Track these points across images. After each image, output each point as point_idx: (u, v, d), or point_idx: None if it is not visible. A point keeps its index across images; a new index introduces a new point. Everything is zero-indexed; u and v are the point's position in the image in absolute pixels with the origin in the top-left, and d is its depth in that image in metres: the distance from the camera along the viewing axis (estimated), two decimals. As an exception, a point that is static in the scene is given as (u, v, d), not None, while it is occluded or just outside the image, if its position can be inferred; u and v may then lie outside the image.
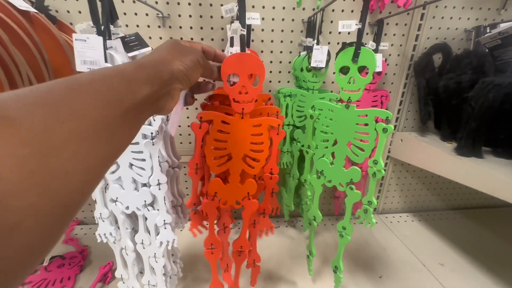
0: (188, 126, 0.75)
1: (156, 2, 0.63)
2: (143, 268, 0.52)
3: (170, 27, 0.65)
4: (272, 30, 0.69)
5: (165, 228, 0.46)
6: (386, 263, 0.70)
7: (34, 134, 0.15)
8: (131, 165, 0.42)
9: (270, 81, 0.74)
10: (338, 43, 0.72)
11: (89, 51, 0.34)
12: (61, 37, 0.52)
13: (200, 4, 0.64)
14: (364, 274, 0.66)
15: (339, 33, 0.71)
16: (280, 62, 0.72)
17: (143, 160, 0.41)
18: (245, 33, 0.42)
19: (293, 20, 0.68)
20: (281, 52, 0.71)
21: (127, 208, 0.45)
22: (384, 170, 0.44)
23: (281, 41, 0.70)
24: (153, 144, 0.40)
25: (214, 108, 0.46)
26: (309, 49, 0.64)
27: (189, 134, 0.77)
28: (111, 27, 0.37)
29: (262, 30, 0.68)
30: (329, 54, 0.61)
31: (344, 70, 0.44)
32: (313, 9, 0.67)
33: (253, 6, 0.66)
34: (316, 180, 0.52)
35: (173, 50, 0.29)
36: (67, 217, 0.17)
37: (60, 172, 0.15)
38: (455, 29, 0.74)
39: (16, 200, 0.13)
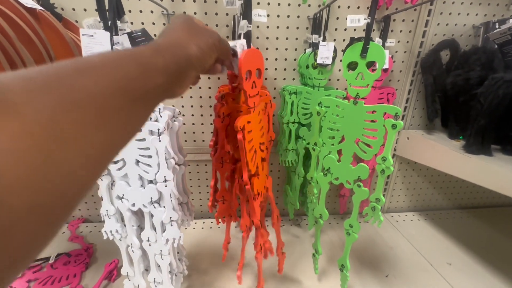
0: (193, 124, 0.75)
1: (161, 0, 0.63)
2: (149, 266, 0.52)
3: (175, 24, 0.65)
4: (278, 27, 0.68)
5: (171, 226, 0.46)
6: (392, 262, 0.70)
7: (38, 124, 0.13)
8: (137, 161, 0.42)
9: (275, 79, 0.74)
10: (344, 40, 0.71)
11: (96, 46, 0.33)
12: (67, 35, 0.52)
13: (205, 1, 0.64)
14: (370, 273, 0.65)
15: (345, 29, 0.70)
16: (286, 59, 0.72)
17: (150, 156, 0.41)
18: (251, 29, 0.42)
19: (298, 16, 0.68)
20: (286, 49, 0.71)
21: (133, 205, 0.45)
22: (393, 167, 0.43)
23: (287, 38, 0.69)
24: (159, 141, 0.40)
25: (231, 108, 0.46)
26: (314, 46, 0.63)
27: (194, 132, 0.77)
28: (118, 22, 0.37)
29: (267, 27, 0.68)
30: (335, 50, 0.61)
31: (352, 66, 0.43)
32: (319, 6, 0.67)
33: (258, 3, 0.65)
34: (322, 177, 0.51)
35: (189, 31, 0.27)
36: (67, 214, 0.15)
37: (63, 167, 0.14)
38: (463, 25, 0.73)
39: (14, 198, 0.12)
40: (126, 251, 0.51)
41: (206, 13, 0.65)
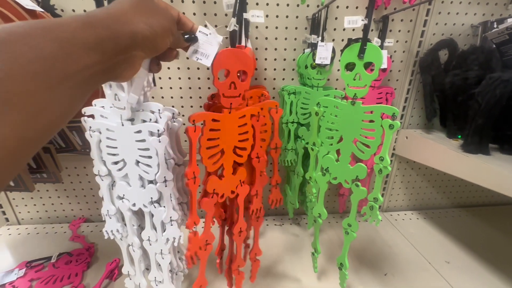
0: (193, 124, 0.76)
1: (161, 0, 0.63)
2: (149, 265, 0.52)
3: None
4: (276, 27, 0.68)
5: (172, 225, 0.46)
6: (391, 260, 0.70)
7: None
8: (137, 162, 0.43)
9: (274, 79, 0.74)
10: (342, 40, 0.71)
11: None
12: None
13: (204, 2, 0.64)
14: (369, 272, 0.66)
15: (344, 29, 0.70)
16: (284, 59, 0.72)
17: (150, 157, 0.42)
18: (237, 29, 0.42)
19: (297, 17, 0.68)
20: (285, 49, 0.71)
21: (134, 205, 0.46)
22: (390, 166, 0.44)
23: (285, 39, 0.70)
24: (159, 142, 0.40)
25: (217, 108, 0.47)
26: (313, 46, 0.64)
27: (194, 132, 0.77)
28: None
29: (266, 27, 0.68)
30: (334, 51, 0.61)
31: (350, 67, 0.44)
32: (317, 6, 0.67)
33: (257, 3, 0.66)
34: (321, 177, 0.52)
35: (138, 7, 0.23)
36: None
37: None
38: (462, 25, 0.73)
39: None
40: (126, 250, 0.51)
41: (205, 14, 0.65)
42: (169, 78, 0.70)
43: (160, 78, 0.70)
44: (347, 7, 0.68)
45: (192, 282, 0.62)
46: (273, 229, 0.82)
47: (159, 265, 0.50)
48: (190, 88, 0.72)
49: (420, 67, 0.73)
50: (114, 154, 0.43)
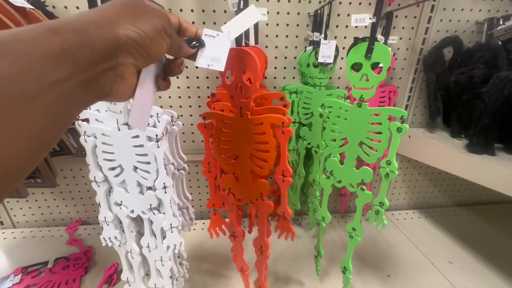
0: (192, 124, 0.74)
1: (157, -4, 0.61)
2: (149, 270, 0.51)
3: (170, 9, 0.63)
4: (277, 24, 0.66)
5: (172, 232, 0.45)
6: (394, 261, 0.70)
7: None
8: (135, 168, 0.41)
9: (275, 77, 0.72)
10: (345, 38, 0.69)
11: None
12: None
13: None
14: (372, 273, 0.65)
15: (346, 26, 0.68)
16: (285, 57, 0.70)
17: (148, 163, 0.40)
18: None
19: (298, 13, 0.66)
20: (286, 47, 0.69)
21: (132, 211, 0.44)
22: (398, 170, 0.42)
23: (286, 36, 0.68)
24: (158, 147, 0.38)
25: (221, 105, 0.45)
26: (315, 44, 0.62)
27: (193, 133, 0.75)
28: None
29: (267, 24, 0.66)
30: (337, 49, 0.59)
31: (356, 67, 0.42)
32: (320, 2, 0.65)
33: (257, 0, 0.63)
34: (325, 180, 0.50)
35: (122, 9, 0.20)
36: None
37: None
38: (466, 21, 0.71)
39: None
40: (125, 257, 0.50)
41: (203, 10, 0.63)
42: (167, 77, 0.68)
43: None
44: (350, 3, 0.66)
45: (194, 286, 0.61)
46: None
47: (159, 271, 0.49)
48: (188, 87, 0.70)
49: (424, 65, 0.72)
50: (110, 160, 0.41)
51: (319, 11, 0.62)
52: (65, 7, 0.59)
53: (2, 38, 0.14)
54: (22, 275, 0.61)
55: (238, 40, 0.38)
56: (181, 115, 0.73)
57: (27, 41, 0.14)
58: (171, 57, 0.28)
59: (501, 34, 0.60)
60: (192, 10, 0.63)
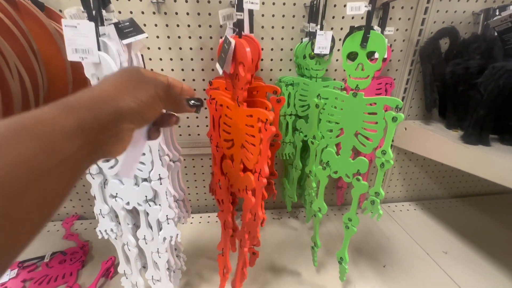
0: (187, 117, 0.73)
1: (150, -13, 0.60)
2: (146, 263, 0.51)
3: (165, 13, 0.62)
4: (273, 15, 0.66)
5: (168, 224, 0.45)
6: (389, 252, 0.70)
7: None
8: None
9: (271, 70, 0.71)
10: (341, 29, 0.69)
11: (80, 39, 0.31)
12: (51, 25, 0.49)
13: (197, 1, 0.61)
14: (368, 264, 0.66)
15: (343, 17, 0.68)
16: (282, 49, 0.69)
17: (143, 154, 0.40)
18: (242, 17, 0.40)
19: (294, 4, 0.65)
20: (282, 38, 0.68)
21: (128, 203, 0.44)
22: (393, 160, 0.42)
23: (282, 27, 0.67)
24: (152, 138, 0.38)
25: (217, 93, 0.45)
26: (311, 35, 0.61)
27: (188, 126, 0.75)
28: (103, 12, 0.34)
29: (262, 15, 0.65)
30: (333, 40, 0.59)
31: (351, 56, 0.42)
32: (316, -8, 0.64)
33: (252, -10, 0.62)
34: (321, 171, 0.50)
35: (123, 83, 0.23)
36: None
37: None
38: (463, 12, 0.71)
39: None
40: (122, 249, 0.50)
41: (198, 1, 0.62)
42: (162, 69, 0.67)
43: (152, 69, 0.67)
44: (346, -7, 0.65)
45: (191, 280, 0.61)
46: (272, 223, 0.82)
47: (156, 263, 0.49)
48: (184, 80, 0.69)
49: (421, 57, 0.72)
50: (104, 151, 0.41)
51: (315, 2, 0.61)
52: (56, -3, 0.58)
53: (25, 122, 0.16)
54: (18, 269, 0.61)
55: (239, 31, 0.38)
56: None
57: (50, 123, 0.17)
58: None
59: (497, 24, 0.60)
60: (186, 1, 0.62)
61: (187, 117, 0.73)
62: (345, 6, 0.66)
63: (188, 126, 0.75)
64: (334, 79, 0.66)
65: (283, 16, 0.66)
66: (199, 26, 0.64)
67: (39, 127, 0.16)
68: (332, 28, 0.69)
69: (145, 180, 0.43)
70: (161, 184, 0.42)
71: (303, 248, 0.70)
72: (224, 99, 0.42)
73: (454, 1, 0.69)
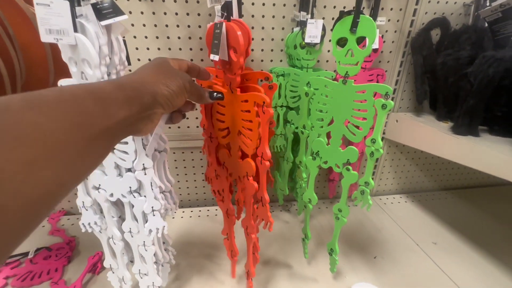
0: (176, 109, 0.72)
1: (135, -28, 0.58)
2: (133, 257, 0.49)
3: (152, 0, 0.60)
4: (263, 4, 0.64)
5: (154, 215, 0.43)
6: (380, 244, 0.70)
7: None
8: (112, 148, 0.39)
9: (261, 60, 0.70)
10: (333, 19, 0.68)
11: (54, 18, 0.29)
12: (28, 10, 0.47)
13: (186, 1, 0.59)
14: (358, 255, 0.66)
15: (334, 7, 0.66)
16: (272, 39, 0.68)
17: (125, 143, 0.38)
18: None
19: (285, -7, 0.64)
20: (273, 28, 0.67)
21: (111, 195, 0.42)
22: (382, 149, 0.42)
23: (273, 16, 0.66)
24: (135, 126, 0.37)
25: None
26: (302, 24, 0.60)
27: (178, 118, 0.73)
28: (80, -8, 0.33)
29: (253, 4, 0.64)
30: (324, 28, 0.57)
31: (342, 43, 0.41)
32: (307, -19, 0.63)
33: (242, -23, 0.61)
34: (311, 161, 0.50)
35: (158, 72, 0.28)
36: (8, 253, 0.15)
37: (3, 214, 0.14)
38: (454, 3, 0.71)
39: None
40: (107, 243, 0.48)
41: (186, 1, 0.60)
42: (149, 59, 0.65)
43: (139, 60, 0.65)
44: (337, -18, 0.64)
45: (180, 273, 0.60)
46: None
47: (143, 257, 0.48)
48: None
49: (412, 48, 0.71)
50: (86, 141, 0.39)
51: (306, -10, 0.60)
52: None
53: (93, 89, 0.21)
54: (0, 266, 0.59)
55: (228, 15, 0.37)
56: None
57: (107, 92, 0.22)
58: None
59: (487, 14, 0.60)
60: (176, 13, 0.60)
61: (176, 109, 0.71)
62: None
63: (177, 118, 0.73)
64: (326, 70, 0.65)
65: (274, 4, 0.64)
66: (187, 14, 0.62)
67: (101, 93, 0.21)
68: (323, 18, 0.67)
69: (129, 170, 0.41)
70: (145, 174, 0.40)
71: (294, 241, 0.70)
72: (215, 87, 0.41)
73: (445, -8, 0.69)
